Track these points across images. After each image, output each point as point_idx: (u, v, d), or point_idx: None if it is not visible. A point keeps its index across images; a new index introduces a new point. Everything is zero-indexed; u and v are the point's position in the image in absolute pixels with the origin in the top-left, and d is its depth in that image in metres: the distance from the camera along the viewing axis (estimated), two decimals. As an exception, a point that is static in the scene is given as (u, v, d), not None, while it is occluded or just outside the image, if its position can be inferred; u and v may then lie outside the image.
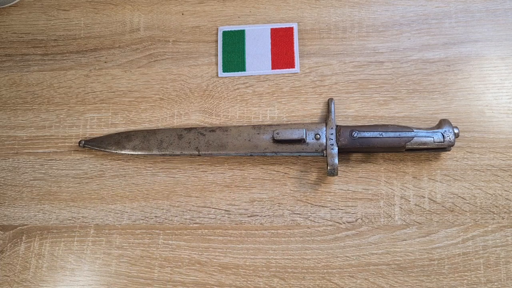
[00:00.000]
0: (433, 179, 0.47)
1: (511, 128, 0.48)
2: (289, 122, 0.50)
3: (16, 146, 0.52)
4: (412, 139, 0.45)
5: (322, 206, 0.47)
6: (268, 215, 0.47)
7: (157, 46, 0.54)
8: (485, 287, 0.44)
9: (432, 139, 0.45)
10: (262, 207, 0.47)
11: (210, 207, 0.48)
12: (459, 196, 0.46)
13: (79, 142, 0.50)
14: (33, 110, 0.53)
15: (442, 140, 0.45)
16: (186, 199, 0.48)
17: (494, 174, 0.46)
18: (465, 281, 0.44)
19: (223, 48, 0.53)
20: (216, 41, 0.53)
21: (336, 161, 0.45)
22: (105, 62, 0.54)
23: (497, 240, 0.45)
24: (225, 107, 0.51)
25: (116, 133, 0.50)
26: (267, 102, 0.51)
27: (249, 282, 0.45)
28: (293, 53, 0.52)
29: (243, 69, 0.52)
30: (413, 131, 0.45)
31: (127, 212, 0.48)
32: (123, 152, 0.49)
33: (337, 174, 0.45)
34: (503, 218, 0.45)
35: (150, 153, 0.49)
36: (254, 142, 0.47)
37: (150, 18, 0.55)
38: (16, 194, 0.50)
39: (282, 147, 0.47)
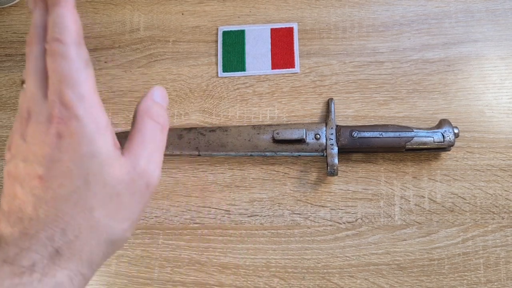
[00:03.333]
0: (433, 179, 0.47)
1: (511, 128, 0.48)
2: (289, 122, 0.50)
3: (16, 146, 0.52)
4: (412, 139, 0.45)
5: (322, 206, 0.47)
6: (268, 215, 0.47)
7: (157, 46, 0.53)
8: (485, 287, 0.44)
9: (432, 139, 0.45)
10: (262, 207, 0.47)
11: (210, 207, 0.48)
12: (459, 196, 0.46)
13: (79, 142, 0.50)
14: (33, 110, 0.53)
15: (442, 140, 0.44)
16: (186, 199, 0.48)
17: (494, 174, 0.46)
18: (465, 281, 0.44)
19: (223, 48, 0.53)
20: (216, 41, 0.53)
21: (336, 161, 0.45)
22: (105, 62, 0.53)
23: (497, 240, 0.45)
24: (225, 107, 0.51)
25: (116, 133, 0.50)
26: (267, 102, 0.51)
27: (249, 282, 0.45)
28: (293, 53, 0.52)
29: (243, 69, 0.52)
30: (413, 131, 0.45)
31: (127, 212, 0.48)
32: (123, 152, 0.49)
33: (337, 174, 0.45)
34: (503, 218, 0.45)
35: (150, 153, 0.49)
36: (254, 142, 0.47)
37: (150, 18, 0.55)
38: (16, 194, 0.50)
39: (282, 147, 0.47)
